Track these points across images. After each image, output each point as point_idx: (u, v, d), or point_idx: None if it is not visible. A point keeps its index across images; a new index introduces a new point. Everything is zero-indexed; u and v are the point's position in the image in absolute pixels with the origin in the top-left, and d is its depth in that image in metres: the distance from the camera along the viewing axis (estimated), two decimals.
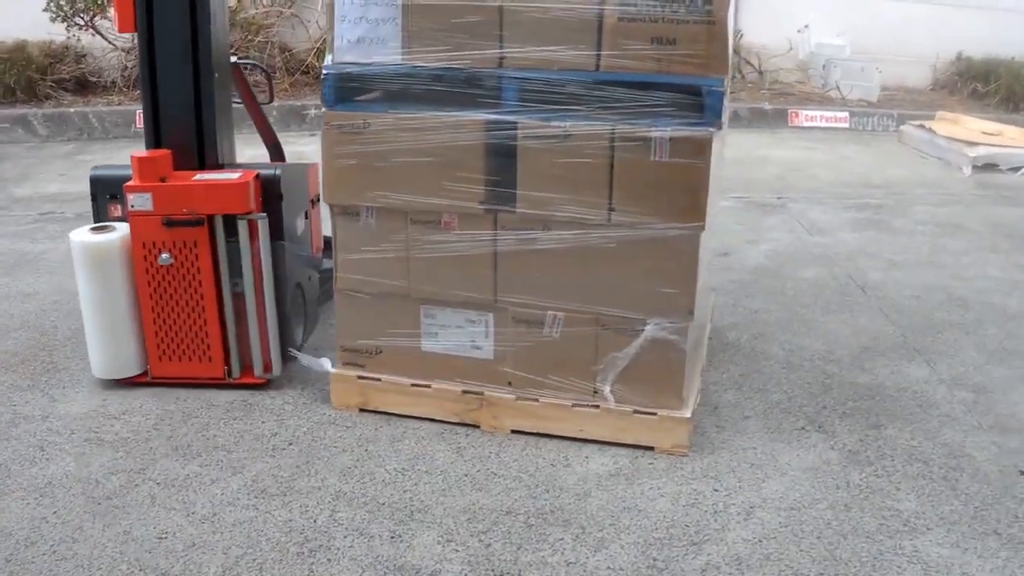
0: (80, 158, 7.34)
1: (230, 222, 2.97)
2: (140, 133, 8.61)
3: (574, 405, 2.77)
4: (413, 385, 2.91)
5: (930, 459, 2.75)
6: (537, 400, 2.80)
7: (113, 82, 8.73)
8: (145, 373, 3.16)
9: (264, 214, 2.98)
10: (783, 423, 2.96)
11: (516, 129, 2.57)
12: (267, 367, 3.12)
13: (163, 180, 2.94)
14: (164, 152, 3.00)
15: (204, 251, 2.97)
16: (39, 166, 6.99)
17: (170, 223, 2.92)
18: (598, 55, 2.50)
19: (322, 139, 2.77)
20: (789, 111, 8.93)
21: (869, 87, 9.54)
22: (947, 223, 5.59)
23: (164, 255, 2.95)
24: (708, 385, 3.22)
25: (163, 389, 3.13)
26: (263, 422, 2.96)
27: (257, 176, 3.00)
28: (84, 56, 8.79)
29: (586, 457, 2.73)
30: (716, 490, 2.56)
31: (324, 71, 2.71)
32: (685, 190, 2.51)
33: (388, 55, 2.64)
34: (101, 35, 8.63)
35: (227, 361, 3.11)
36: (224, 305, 3.05)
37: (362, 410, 2.99)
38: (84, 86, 8.68)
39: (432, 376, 2.90)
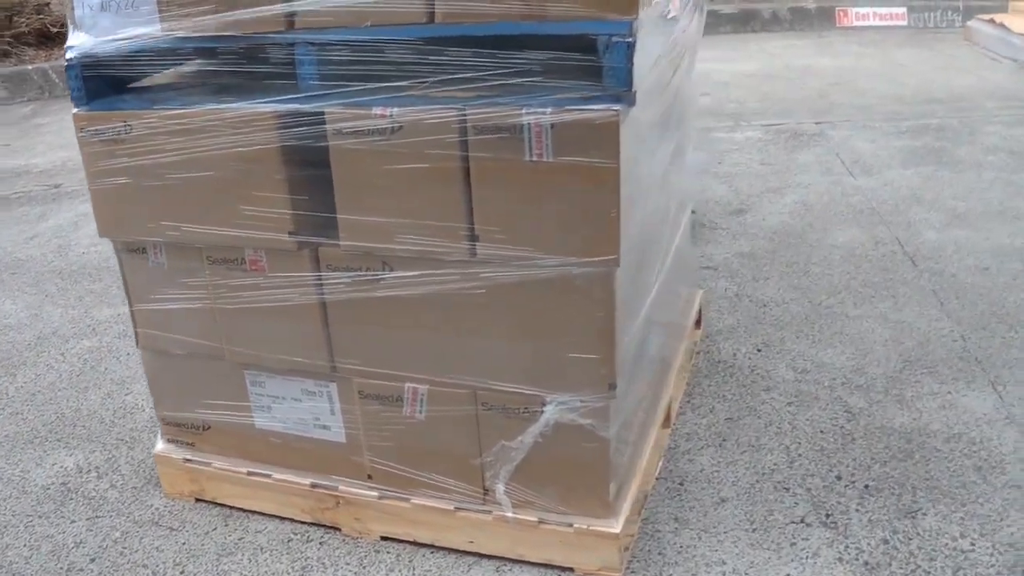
0: (36, 122, 6.64)
1: None
2: None
3: (458, 509, 1.93)
4: (250, 474, 2.11)
5: None
6: (407, 501, 1.97)
7: None
8: None
9: None
10: (775, 510, 2.06)
11: (323, 123, 1.68)
12: None
13: None
14: None
15: None
16: None
17: None
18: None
19: (80, 150, 1.92)
20: (837, 9, 7.68)
21: None
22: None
23: None
24: (679, 440, 2.33)
25: None
26: (72, 521, 2.21)
27: None
28: (47, 5, 8.01)
29: None
30: None
31: (67, 55, 1.84)
32: (584, 207, 1.59)
33: (142, 24, 1.75)
34: None
35: None
36: None
37: (199, 500, 2.22)
38: (47, 39, 7.91)
39: (275, 461, 2.09)
